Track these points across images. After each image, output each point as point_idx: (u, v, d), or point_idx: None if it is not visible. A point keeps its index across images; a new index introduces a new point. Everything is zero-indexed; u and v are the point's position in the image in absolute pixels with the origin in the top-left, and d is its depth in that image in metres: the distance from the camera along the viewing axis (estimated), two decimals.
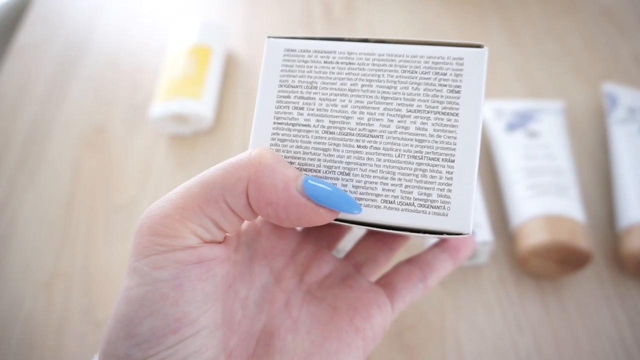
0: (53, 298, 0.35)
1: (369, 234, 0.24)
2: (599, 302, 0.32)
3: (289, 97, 0.20)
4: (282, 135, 0.19)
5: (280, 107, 0.20)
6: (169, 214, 0.16)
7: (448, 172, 0.18)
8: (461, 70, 0.19)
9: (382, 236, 0.24)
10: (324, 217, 0.17)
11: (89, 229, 0.38)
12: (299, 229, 0.23)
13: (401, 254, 0.34)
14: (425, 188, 0.18)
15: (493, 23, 0.48)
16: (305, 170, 0.19)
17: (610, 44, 0.46)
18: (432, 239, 0.30)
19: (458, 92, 0.19)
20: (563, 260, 0.31)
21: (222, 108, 0.45)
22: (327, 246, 0.23)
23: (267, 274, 0.21)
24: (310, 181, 0.17)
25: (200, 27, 0.46)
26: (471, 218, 0.18)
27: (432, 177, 0.18)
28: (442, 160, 0.18)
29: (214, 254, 0.17)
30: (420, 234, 0.18)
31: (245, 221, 0.20)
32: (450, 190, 0.18)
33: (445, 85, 0.19)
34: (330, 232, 0.24)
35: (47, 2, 0.55)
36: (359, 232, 0.30)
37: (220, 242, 0.18)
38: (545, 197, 0.33)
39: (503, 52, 0.46)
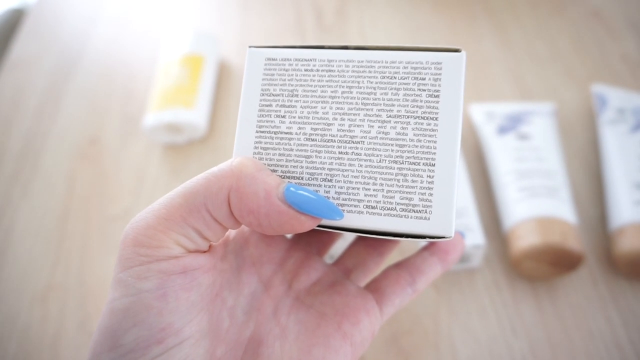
0: (48, 310, 0.35)
1: (359, 239, 0.24)
2: (593, 303, 0.32)
3: (270, 105, 0.20)
4: (265, 143, 0.20)
5: (263, 115, 0.20)
6: (152, 225, 0.17)
7: (429, 176, 0.18)
8: (439, 74, 0.19)
9: (371, 241, 0.24)
10: (306, 224, 0.17)
11: (84, 240, 0.38)
12: (288, 236, 0.23)
13: (395, 257, 0.34)
14: (406, 192, 0.18)
15: (483, 26, 0.49)
16: (288, 177, 0.19)
17: (599, 45, 0.46)
18: (424, 243, 0.30)
19: (437, 96, 0.19)
20: (556, 262, 0.32)
21: (215, 117, 0.45)
22: (317, 252, 0.23)
23: (255, 282, 0.21)
24: (291, 189, 0.17)
25: (193, 37, 0.46)
26: (453, 221, 0.18)
27: (413, 181, 0.18)
28: (423, 164, 0.18)
29: (198, 263, 0.18)
30: (404, 239, 0.19)
31: (233, 230, 0.20)
32: (431, 194, 0.18)
33: (424, 90, 0.19)
34: (320, 238, 0.24)
35: (40, 16, 0.56)
36: (350, 237, 0.30)
37: (205, 251, 0.18)
38: (537, 199, 0.33)
39: (493, 55, 0.46)
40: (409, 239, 0.19)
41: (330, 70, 0.20)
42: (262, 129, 0.20)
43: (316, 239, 0.24)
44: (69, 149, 0.44)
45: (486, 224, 0.36)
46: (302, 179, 0.19)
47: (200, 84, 0.43)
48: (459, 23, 0.49)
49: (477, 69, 0.45)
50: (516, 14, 0.49)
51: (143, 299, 0.16)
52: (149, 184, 0.41)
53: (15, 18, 0.59)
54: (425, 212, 0.18)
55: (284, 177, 0.19)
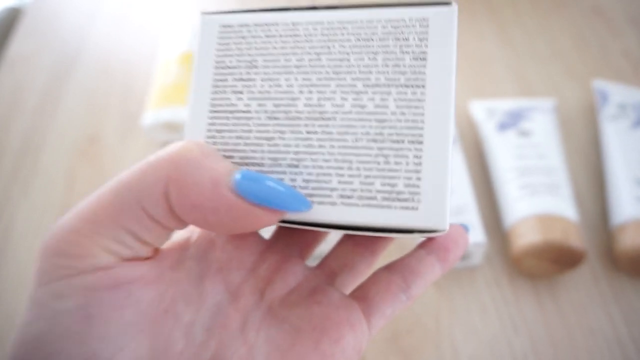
0: None
1: (346, 235, 0.21)
2: (594, 301, 0.32)
3: (226, 80, 0.17)
4: (220, 124, 0.17)
5: (217, 92, 0.17)
6: (75, 229, 0.14)
7: (416, 157, 0.15)
8: (426, 33, 0.16)
9: (360, 238, 0.20)
10: (264, 220, 0.15)
11: None
12: (266, 235, 0.21)
13: (393, 254, 0.34)
14: (389, 177, 0.15)
15: (484, 23, 0.48)
16: (247, 164, 0.16)
17: (600, 41, 0.46)
18: (420, 239, 0.26)
19: (424, 59, 0.16)
20: (557, 260, 0.31)
21: None
22: (299, 254, 0.20)
23: (221, 292, 0.17)
24: (243, 176, 0.14)
25: (191, 35, 0.46)
26: (447, 210, 0.15)
27: (396, 163, 0.15)
28: (408, 142, 0.16)
29: (135, 274, 0.14)
30: (388, 234, 0.16)
31: (179, 230, 0.16)
32: (419, 179, 0.15)
33: (407, 53, 0.16)
34: (302, 238, 0.20)
35: (38, 14, 0.55)
36: (337, 233, 0.29)
37: (146, 258, 0.15)
38: (538, 196, 0.33)
39: (494, 52, 0.46)
40: (395, 235, 0.16)
41: (295, 35, 0.17)
42: (216, 109, 0.17)
43: (298, 237, 0.20)
44: (68, 147, 0.44)
45: (486, 222, 0.36)
46: (263, 165, 0.16)
47: None
48: (459, 20, 0.49)
49: (478, 66, 0.45)
50: (517, 10, 0.49)
51: (61, 322, 0.13)
52: None
53: (13, 16, 0.58)
54: (413, 200, 0.15)
55: (241, 165, 0.16)
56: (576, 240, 0.31)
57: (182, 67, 0.43)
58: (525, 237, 0.31)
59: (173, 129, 0.42)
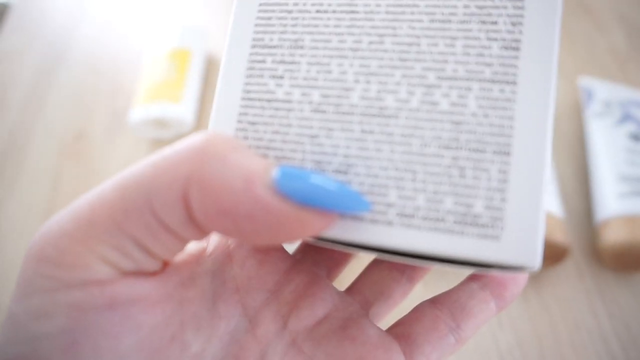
0: None
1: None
2: (578, 296, 0.32)
3: (264, 61, 0.14)
4: (253, 115, 0.14)
5: (252, 76, 0.14)
6: (67, 232, 0.11)
7: (501, 171, 0.12)
8: (521, 16, 0.13)
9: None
10: (313, 225, 0.12)
11: None
12: (290, 250, 0.18)
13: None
14: (464, 196, 0.12)
15: None
16: None
17: (586, 38, 0.46)
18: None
19: (516, 49, 0.13)
20: (541, 255, 0.32)
21: (203, 111, 0.45)
22: (327, 274, 0.17)
23: (237, 316, 0.14)
24: (284, 172, 0.12)
25: (180, 31, 0.46)
26: (539, 243, 0.12)
27: (475, 178, 0.12)
28: (492, 152, 0.12)
29: (137, 292, 0.12)
30: (455, 266, 0.13)
31: (196, 240, 0.13)
32: (503, 200, 0.12)
33: (495, 40, 0.13)
34: (331, 255, 0.17)
35: (25, 10, 0.55)
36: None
37: (153, 274, 0.13)
38: None
39: None
40: (467, 269, 0.13)
41: (353, 12, 0.14)
42: (250, 95, 0.14)
43: (326, 255, 0.17)
44: (55, 145, 0.43)
45: None
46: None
47: (187, 79, 0.43)
48: None
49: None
50: None
51: (39, 349, 0.11)
52: None
53: (1, 11, 0.58)
54: (493, 226, 0.12)
55: None
56: (560, 236, 0.31)
57: (171, 63, 0.43)
58: None
59: (162, 125, 0.42)
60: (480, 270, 0.13)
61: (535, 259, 0.12)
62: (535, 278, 0.33)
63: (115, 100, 0.46)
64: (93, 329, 0.11)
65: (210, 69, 0.48)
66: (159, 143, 0.43)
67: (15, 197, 0.40)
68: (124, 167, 0.41)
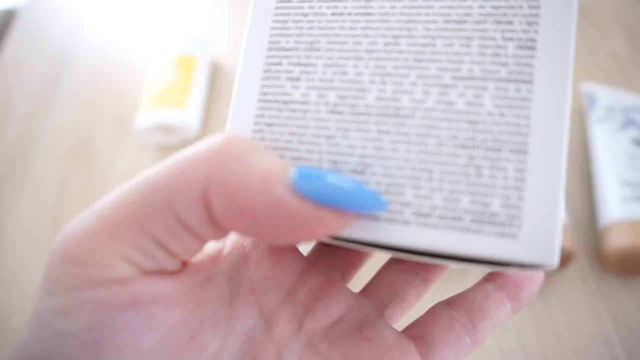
0: None
1: (394, 258, 0.18)
2: (582, 300, 0.33)
3: (280, 64, 0.14)
4: (270, 117, 0.14)
5: (269, 78, 0.14)
6: (90, 232, 0.12)
7: (517, 170, 0.12)
8: (536, 16, 0.13)
9: (412, 262, 0.18)
10: (331, 224, 0.12)
11: None
12: (304, 252, 0.18)
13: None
14: (481, 194, 0.13)
15: None
16: None
17: (588, 43, 0.46)
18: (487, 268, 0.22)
19: (532, 48, 0.13)
20: None
21: (208, 117, 0.45)
22: (342, 276, 0.17)
23: (254, 317, 0.15)
24: (302, 172, 0.12)
25: (185, 38, 0.46)
26: (557, 240, 0.12)
27: (492, 177, 0.13)
28: (508, 151, 0.13)
29: (158, 291, 0.12)
30: (472, 265, 0.13)
31: (215, 240, 0.13)
32: (520, 198, 0.12)
33: (511, 39, 0.13)
34: (347, 255, 0.17)
35: (31, 17, 0.55)
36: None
37: (172, 273, 0.13)
38: None
39: None
40: (483, 267, 0.13)
41: (368, 14, 0.14)
42: (266, 97, 0.14)
43: (341, 256, 0.17)
44: (61, 151, 0.44)
45: None
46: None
47: (192, 85, 0.44)
48: None
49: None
50: None
51: (64, 346, 0.11)
52: None
53: (7, 19, 0.58)
54: (511, 225, 0.12)
55: None
56: (565, 240, 0.31)
57: (177, 70, 0.44)
58: None
59: (167, 131, 0.42)
60: (497, 269, 0.13)
61: (552, 257, 0.12)
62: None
63: (120, 107, 0.46)
64: (116, 326, 0.11)
65: (215, 75, 0.48)
66: (165, 149, 0.43)
67: (22, 202, 0.41)
68: (130, 173, 0.42)
